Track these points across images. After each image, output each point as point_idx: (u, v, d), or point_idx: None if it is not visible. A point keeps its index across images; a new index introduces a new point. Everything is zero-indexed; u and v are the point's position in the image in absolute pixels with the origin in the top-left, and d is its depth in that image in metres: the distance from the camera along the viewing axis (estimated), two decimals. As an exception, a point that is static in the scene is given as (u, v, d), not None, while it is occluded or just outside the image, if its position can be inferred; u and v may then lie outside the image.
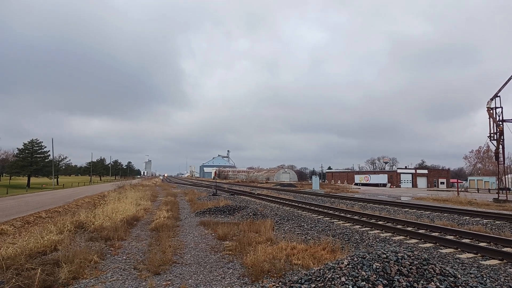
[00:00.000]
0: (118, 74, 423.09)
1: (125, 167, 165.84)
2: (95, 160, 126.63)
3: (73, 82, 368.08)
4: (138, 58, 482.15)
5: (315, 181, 54.36)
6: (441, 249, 10.20)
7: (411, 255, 5.73)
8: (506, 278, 7.11)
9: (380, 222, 14.99)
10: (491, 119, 32.07)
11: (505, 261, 8.65)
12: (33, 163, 62.43)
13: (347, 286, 5.02)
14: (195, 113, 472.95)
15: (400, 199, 33.44)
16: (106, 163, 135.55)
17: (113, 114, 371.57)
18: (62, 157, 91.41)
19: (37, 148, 65.27)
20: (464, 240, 11.16)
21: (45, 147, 66.65)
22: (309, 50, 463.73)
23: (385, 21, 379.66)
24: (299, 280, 5.78)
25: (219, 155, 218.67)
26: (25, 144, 64.71)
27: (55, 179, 70.44)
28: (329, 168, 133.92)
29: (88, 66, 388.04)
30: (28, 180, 61.91)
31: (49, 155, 67.21)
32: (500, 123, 31.65)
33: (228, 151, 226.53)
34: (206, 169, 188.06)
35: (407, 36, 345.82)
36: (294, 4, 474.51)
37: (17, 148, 66.78)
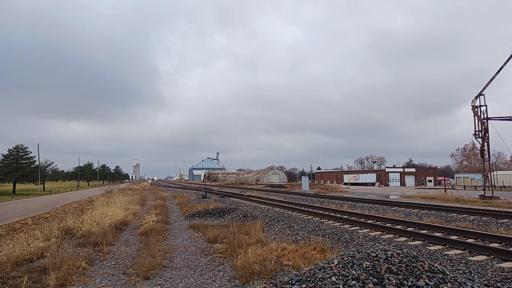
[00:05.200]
0: (91, 73, 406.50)
1: (113, 172, 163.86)
2: (83, 165, 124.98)
3: (46, 83, 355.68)
4: (110, 56, 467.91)
5: (305, 182, 54.58)
6: (430, 246, 10.31)
7: (400, 253, 5.78)
8: (493, 273, 7.22)
9: (369, 221, 15.09)
10: (476, 117, 32.63)
11: (492, 256, 8.78)
12: (18, 169, 61.19)
13: (337, 285, 5.03)
14: (176, 114, 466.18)
15: (389, 197, 33.76)
16: (94, 168, 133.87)
17: (92, 117, 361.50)
18: (49, 163, 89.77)
19: (22, 153, 64.03)
20: (452, 237, 11.30)
21: (31, 152, 65.43)
22: (287, 47, 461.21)
23: (362, 13, 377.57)
24: (290, 281, 5.77)
25: (208, 158, 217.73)
26: (9, 150, 63.42)
27: (42, 185, 69.30)
28: (318, 168, 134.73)
29: (59, 65, 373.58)
30: (14, 187, 60.65)
31: (35, 160, 66.09)
32: (485, 121, 32.22)
33: (218, 153, 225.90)
34: (195, 172, 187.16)
35: (387, 28, 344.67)
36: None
37: (1, 154, 65.51)
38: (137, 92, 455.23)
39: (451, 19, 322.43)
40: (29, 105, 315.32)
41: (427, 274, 5.32)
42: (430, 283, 5.08)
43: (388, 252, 5.76)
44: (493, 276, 7.07)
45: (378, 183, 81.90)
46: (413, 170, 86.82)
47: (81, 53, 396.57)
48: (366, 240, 11.26)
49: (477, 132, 32.69)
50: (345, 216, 16.80)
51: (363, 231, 13.06)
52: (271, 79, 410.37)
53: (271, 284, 5.96)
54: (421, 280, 5.14)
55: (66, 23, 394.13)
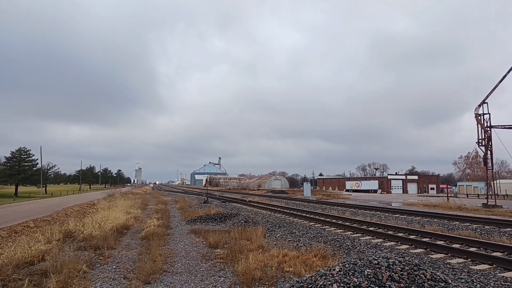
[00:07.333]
0: (90, 75, 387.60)
1: (115, 175, 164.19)
2: (85, 168, 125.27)
3: (45, 85, 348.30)
4: (109, 58, 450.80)
5: (307, 188, 54.39)
6: (432, 254, 10.26)
7: (402, 261, 5.75)
8: (495, 283, 7.16)
9: (371, 228, 15.04)
10: (479, 125, 32.56)
11: (494, 265, 8.73)
12: (21, 171, 61.41)
13: (339, 292, 5.01)
14: (177, 118, 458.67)
15: (391, 205, 33.61)
16: (96, 171, 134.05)
17: (92, 120, 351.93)
18: (51, 165, 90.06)
19: (25, 156, 64.30)
20: (454, 245, 11.24)
21: (33, 155, 65.74)
22: (287, 52, 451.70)
23: (362, 18, 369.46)
24: (291, 288, 5.75)
25: (210, 162, 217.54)
26: (12, 152, 63.75)
27: (44, 188, 69.42)
28: (320, 174, 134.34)
29: (58, 67, 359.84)
30: (16, 189, 60.77)
31: (37, 163, 66.35)
32: (488, 129, 32.14)
33: (220, 158, 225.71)
34: (197, 177, 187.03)
35: (388, 33, 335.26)
36: (265, 1, 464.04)
37: (4, 157, 65.79)
38: (137, 95, 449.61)
39: (454, 24, 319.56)
40: (30, 107, 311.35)
41: (429, 282, 5.29)
42: (432, 291, 5.05)
43: (390, 260, 5.73)
44: (496, 285, 7.01)
45: (380, 190, 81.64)
46: (416, 177, 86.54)
47: (80, 55, 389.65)
48: (368, 247, 11.21)
49: (480, 140, 32.62)
50: (347, 223, 16.74)
51: (365, 238, 13.00)
52: (271, 84, 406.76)
53: (272, 291, 5.94)
54: (423, 288, 5.11)
55: (66, 25, 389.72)
